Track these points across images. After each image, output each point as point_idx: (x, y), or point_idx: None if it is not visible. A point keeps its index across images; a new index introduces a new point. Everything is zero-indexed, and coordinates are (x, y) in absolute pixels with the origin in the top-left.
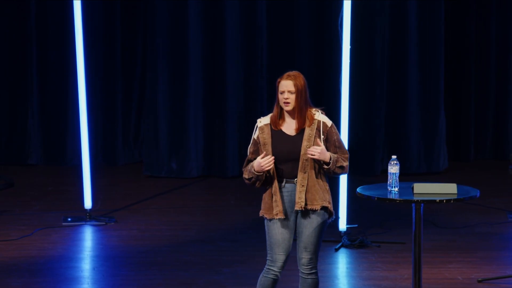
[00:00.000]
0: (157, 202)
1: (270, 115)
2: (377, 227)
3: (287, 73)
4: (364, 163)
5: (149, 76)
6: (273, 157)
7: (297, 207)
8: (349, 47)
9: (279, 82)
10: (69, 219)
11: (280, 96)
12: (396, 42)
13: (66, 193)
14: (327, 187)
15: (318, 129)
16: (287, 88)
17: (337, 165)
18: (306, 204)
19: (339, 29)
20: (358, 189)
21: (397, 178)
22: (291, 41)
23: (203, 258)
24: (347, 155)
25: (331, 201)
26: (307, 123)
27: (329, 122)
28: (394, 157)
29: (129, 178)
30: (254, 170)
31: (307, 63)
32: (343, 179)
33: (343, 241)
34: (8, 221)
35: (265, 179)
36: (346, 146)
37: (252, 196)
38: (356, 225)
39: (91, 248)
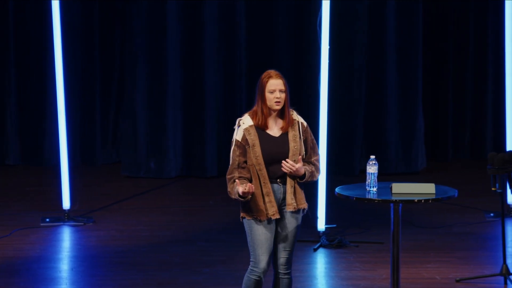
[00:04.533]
0: (135, 202)
1: (247, 115)
2: (355, 227)
3: (273, 72)
4: (342, 163)
5: (127, 76)
6: (252, 186)
7: (290, 208)
8: (328, 47)
9: (267, 81)
10: (47, 220)
11: (271, 96)
12: (375, 42)
13: (44, 193)
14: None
15: (298, 130)
16: (278, 87)
17: (309, 179)
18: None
19: (318, 29)
20: (336, 189)
21: (376, 178)
22: (270, 41)
23: (183, 258)
24: (318, 157)
25: None
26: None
27: (305, 123)
28: (372, 157)
29: (108, 178)
30: (239, 197)
31: (286, 62)
32: (322, 179)
33: (321, 241)
34: None
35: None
36: (325, 146)
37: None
38: (334, 225)
39: (69, 249)
